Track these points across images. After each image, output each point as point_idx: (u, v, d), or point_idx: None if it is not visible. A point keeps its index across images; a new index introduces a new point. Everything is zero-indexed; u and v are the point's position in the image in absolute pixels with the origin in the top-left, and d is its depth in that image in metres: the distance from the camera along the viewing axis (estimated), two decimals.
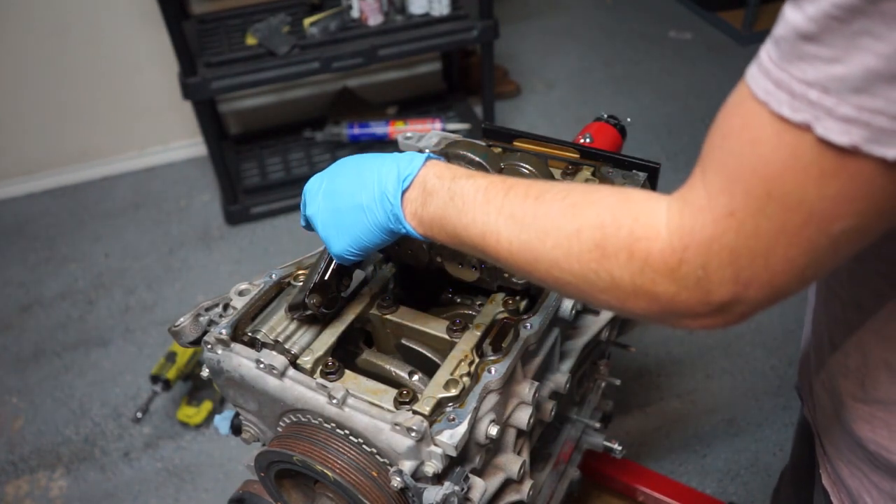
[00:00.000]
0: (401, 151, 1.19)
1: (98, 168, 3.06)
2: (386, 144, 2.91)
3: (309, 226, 0.86)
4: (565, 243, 0.58)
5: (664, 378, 2.10)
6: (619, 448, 1.29)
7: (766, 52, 0.50)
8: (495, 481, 0.89)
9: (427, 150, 0.79)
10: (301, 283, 0.93)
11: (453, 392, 0.80)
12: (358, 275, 0.99)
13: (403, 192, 0.73)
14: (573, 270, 0.58)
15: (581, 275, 0.58)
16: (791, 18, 0.45)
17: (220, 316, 0.94)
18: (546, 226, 0.60)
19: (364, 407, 0.79)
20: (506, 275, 0.90)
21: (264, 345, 0.88)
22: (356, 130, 2.90)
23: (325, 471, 0.78)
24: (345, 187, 0.79)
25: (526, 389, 0.86)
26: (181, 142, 3.11)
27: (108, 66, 2.85)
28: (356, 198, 0.77)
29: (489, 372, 0.81)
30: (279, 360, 0.84)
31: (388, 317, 0.94)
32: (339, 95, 3.11)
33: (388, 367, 0.91)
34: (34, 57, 2.75)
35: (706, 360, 2.15)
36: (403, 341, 0.93)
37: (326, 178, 0.82)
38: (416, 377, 0.90)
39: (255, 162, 2.94)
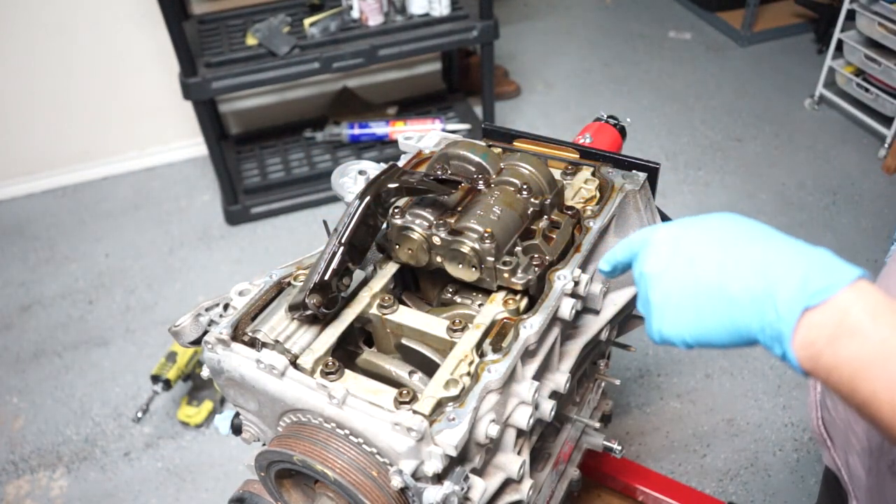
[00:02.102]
0: (403, 152, 1.20)
1: (98, 168, 3.06)
2: (386, 144, 2.91)
3: (615, 273, 0.70)
4: None
5: (664, 378, 2.10)
6: (619, 448, 1.30)
7: None
8: (495, 481, 0.89)
9: (860, 273, 0.54)
10: (301, 283, 0.93)
11: (453, 392, 0.80)
12: (358, 275, 0.99)
13: (806, 311, 0.53)
14: None
15: None
16: None
17: (221, 316, 0.94)
18: None
19: (364, 407, 0.79)
20: (506, 275, 0.91)
21: (264, 345, 0.88)
22: (356, 130, 2.90)
23: (326, 470, 0.78)
24: (709, 255, 0.60)
25: (526, 389, 0.86)
26: (181, 142, 3.11)
27: (108, 66, 2.85)
28: (723, 278, 0.58)
29: (489, 372, 0.81)
30: (279, 360, 0.84)
31: (388, 317, 0.94)
32: (339, 95, 3.11)
33: (388, 367, 0.91)
34: (34, 57, 2.75)
35: (706, 360, 2.15)
36: (403, 341, 0.93)
37: (688, 235, 0.63)
38: (416, 377, 0.90)
39: (255, 162, 2.94)
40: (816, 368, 0.54)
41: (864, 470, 0.83)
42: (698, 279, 0.59)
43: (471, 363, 0.84)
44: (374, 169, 1.14)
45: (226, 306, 0.95)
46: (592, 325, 1.05)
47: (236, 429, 1.00)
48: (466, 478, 0.79)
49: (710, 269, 0.59)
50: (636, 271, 0.67)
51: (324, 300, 0.88)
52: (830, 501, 1.08)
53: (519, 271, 0.91)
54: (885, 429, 0.52)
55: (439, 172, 0.97)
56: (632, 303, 1.10)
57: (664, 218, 1.11)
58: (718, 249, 0.60)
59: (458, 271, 0.93)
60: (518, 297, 0.93)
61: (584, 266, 0.95)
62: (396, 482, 0.76)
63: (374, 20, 2.58)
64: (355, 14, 2.60)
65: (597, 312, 1.05)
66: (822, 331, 0.53)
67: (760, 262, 0.57)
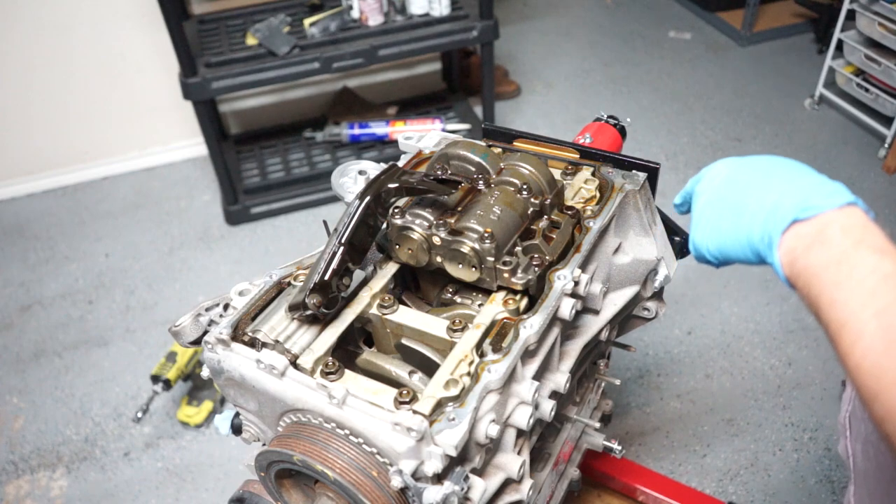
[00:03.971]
0: (403, 152, 1.20)
1: (98, 168, 3.06)
2: (386, 144, 2.91)
3: (684, 206, 0.81)
4: None
5: (664, 378, 2.10)
6: (619, 448, 1.30)
7: None
8: (495, 481, 0.89)
9: (851, 199, 0.62)
10: (301, 283, 0.93)
11: (453, 392, 0.80)
12: (358, 275, 0.99)
13: (795, 223, 0.62)
14: None
15: None
16: None
17: (221, 316, 0.94)
18: None
19: (364, 407, 0.79)
20: (506, 275, 0.90)
21: (264, 345, 0.88)
22: (356, 130, 2.90)
23: (326, 470, 0.78)
24: (746, 179, 0.70)
25: (526, 389, 0.86)
26: (181, 142, 3.11)
27: (108, 66, 2.85)
28: (747, 196, 0.67)
29: (489, 372, 0.81)
30: (279, 360, 0.84)
31: (388, 317, 0.94)
32: (339, 95, 3.11)
33: (388, 367, 0.91)
34: (35, 57, 2.75)
35: (706, 360, 2.15)
36: (403, 341, 0.93)
37: (737, 166, 0.73)
38: (416, 377, 0.90)
39: (255, 162, 2.94)
40: (792, 274, 0.61)
41: (862, 455, 0.85)
42: (728, 197, 0.70)
43: (471, 363, 0.84)
44: (374, 169, 1.14)
45: (226, 306, 0.95)
46: (592, 325, 1.05)
47: (236, 429, 1.00)
48: (466, 478, 0.79)
49: (741, 189, 0.69)
50: (694, 191, 0.78)
51: (324, 300, 0.87)
52: None
53: (519, 271, 0.91)
54: (831, 340, 0.57)
55: (439, 172, 0.97)
56: (632, 303, 1.10)
57: (664, 218, 1.11)
58: (754, 176, 0.69)
59: (458, 271, 0.93)
60: (518, 297, 0.93)
61: (584, 266, 0.95)
62: (396, 482, 0.76)
63: (374, 20, 2.58)
64: (355, 14, 2.60)
65: (597, 312, 1.05)
66: (803, 240, 0.60)
67: (781, 186, 0.65)
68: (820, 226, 0.60)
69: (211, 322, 0.94)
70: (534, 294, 0.93)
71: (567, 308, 0.90)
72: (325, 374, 0.85)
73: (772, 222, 0.63)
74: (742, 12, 3.59)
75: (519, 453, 0.93)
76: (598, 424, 1.30)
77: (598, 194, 1.06)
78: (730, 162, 0.75)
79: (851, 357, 0.54)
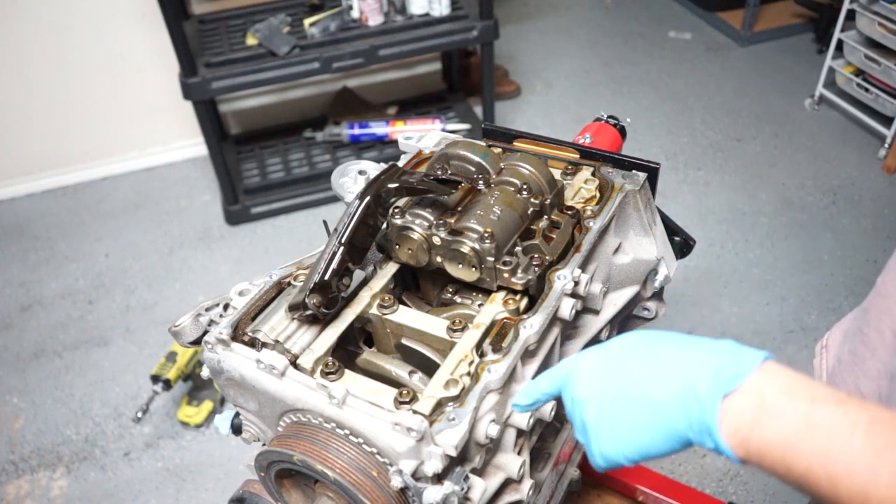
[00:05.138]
0: (403, 152, 1.20)
1: (99, 168, 3.06)
2: (386, 144, 2.91)
3: (534, 406, 0.72)
4: None
5: None
6: None
7: None
8: (495, 481, 0.89)
9: (764, 354, 0.57)
10: (301, 283, 0.93)
11: (453, 392, 0.80)
12: (358, 275, 0.99)
13: (725, 398, 0.55)
14: None
15: None
16: None
17: (221, 316, 0.94)
18: None
19: (364, 407, 0.79)
20: (506, 275, 0.90)
21: (264, 345, 0.88)
22: (356, 130, 2.90)
23: (326, 470, 0.78)
24: (633, 371, 0.62)
25: None
26: (181, 142, 3.11)
27: (108, 66, 2.85)
28: (647, 385, 0.60)
29: (489, 372, 0.81)
30: (279, 360, 0.84)
31: (388, 317, 0.94)
32: (339, 95, 3.11)
33: (388, 367, 0.91)
34: (35, 57, 2.75)
35: None
36: (403, 341, 0.93)
37: (610, 356, 0.66)
38: (416, 377, 0.90)
39: (255, 162, 2.94)
40: (749, 454, 0.55)
41: None
42: (627, 393, 0.61)
43: (471, 363, 0.84)
44: (374, 169, 1.14)
45: (226, 306, 0.95)
46: (592, 325, 1.05)
47: (236, 429, 1.00)
48: (466, 478, 0.79)
49: (636, 380, 0.61)
50: (567, 399, 0.68)
51: (324, 300, 0.87)
52: None
53: (519, 271, 0.91)
54: (825, 498, 0.52)
55: (439, 172, 0.97)
56: (632, 303, 1.10)
57: (664, 218, 1.11)
58: (640, 362, 0.62)
59: (458, 271, 0.93)
60: (518, 297, 0.93)
61: (583, 266, 0.95)
62: (396, 482, 0.76)
63: (374, 20, 2.58)
64: (355, 14, 2.60)
65: (597, 312, 1.05)
66: (744, 416, 0.54)
67: (678, 363, 0.59)
68: (755, 396, 0.54)
69: (211, 322, 0.94)
70: (534, 294, 0.93)
71: (567, 308, 0.90)
72: (325, 374, 0.85)
73: (697, 408, 0.56)
74: (742, 12, 3.59)
75: (519, 453, 0.92)
76: None
77: (598, 194, 1.06)
78: (597, 354, 0.67)
79: None
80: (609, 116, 1.28)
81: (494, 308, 0.92)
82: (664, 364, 0.60)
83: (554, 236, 0.96)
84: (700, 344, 0.60)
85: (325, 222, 1.01)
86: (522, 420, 0.86)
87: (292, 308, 0.89)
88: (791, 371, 0.56)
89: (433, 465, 0.76)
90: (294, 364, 0.86)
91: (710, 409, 0.55)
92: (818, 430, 0.51)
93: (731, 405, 0.55)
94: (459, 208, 0.97)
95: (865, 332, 1.02)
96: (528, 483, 0.94)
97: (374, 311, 0.95)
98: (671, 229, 1.12)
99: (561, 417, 1.23)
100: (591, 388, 0.65)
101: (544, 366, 0.94)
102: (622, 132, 1.28)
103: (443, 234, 0.92)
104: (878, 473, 0.48)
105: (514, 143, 1.16)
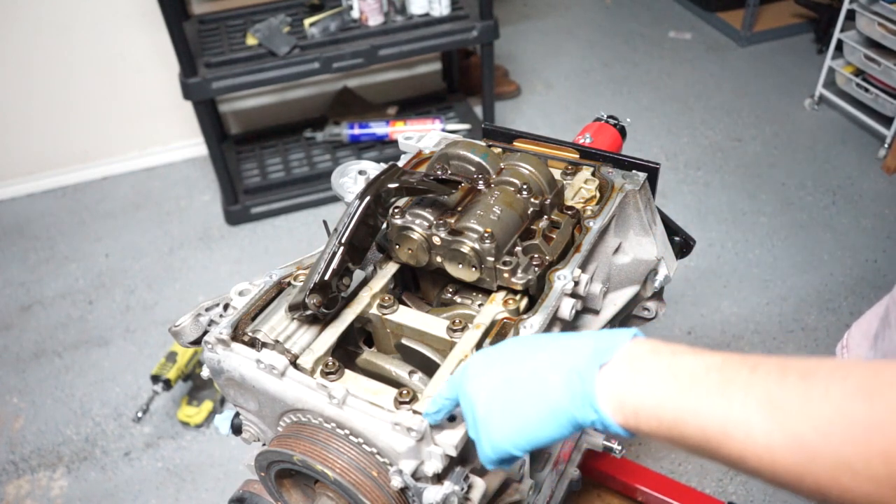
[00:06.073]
0: (403, 152, 1.20)
1: (98, 168, 3.06)
2: (386, 144, 2.91)
3: (440, 415, 0.73)
4: (862, 437, 0.44)
5: None
6: (619, 448, 1.30)
7: None
8: (495, 481, 0.89)
9: (635, 331, 0.62)
10: (301, 283, 0.93)
11: None
12: (358, 275, 0.99)
13: (602, 368, 0.59)
14: (875, 475, 0.43)
15: (891, 482, 0.43)
16: None
17: (221, 316, 0.94)
18: (827, 413, 0.46)
19: (364, 407, 0.79)
20: (506, 275, 0.90)
21: (264, 345, 0.88)
22: (356, 130, 2.90)
23: (326, 470, 0.78)
24: (519, 362, 0.65)
25: None
26: (181, 142, 3.11)
27: (108, 66, 2.85)
28: (533, 373, 0.63)
29: None
30: (279, 360, 0.84)
31: (388, 317, 0.94)
32: (339, 95, 3.11)
33: (388, 367, 0.91)
34: (35, 57, 2.75)
35: None
36: (403, 341, 0.93)
37: (498, 352, 0.69)
38: (416, 377, 0.90)
39: (255, 162, 2.94)
40: (627, 418, 0.57)
41: None
42: (514, 381, 0.64)
43: None
44: (374, 169, 1.14)
45: (226, 306, 0.95)
46: (592, 325, 1.05)
47: (236, 429, 1.00)
48: (466, 478, 0.79)
49: (522, 370, 0.64)
50: (461, 398, 0.70)
51: (324, 300, 0.88)
52: None
53: (519, 271, 0.91)
54: (694, 448, 0.54)
55: (439, 172, 0.97)
56: (632, 303, 1.10)
57: (664, 218, 1.11)
58: (526, 354, 0.65)
59: (458, 271, 0.93)
60: (518, 297, 0.93)
61: (584, 266, 0.95)
62: (396, 482, 0.76)
63: (374, 20, 2.58)
64: (355, 14, 2.60)
65: (596, 312, 1.05)
66: (618, 380, 0.58)
67: (561, 350, 0.63)
68: (626, 360, 0.58)
69: (211, 322, 0.94)
70: (534, 294, 0.93)
71: (567, 308, 0.90)
72: (325, 374, 0.85)
73: (578, 382, 0.59)
74: (742, 12, 3.59)
75: None
76: None
77: (598, 194, 1.06)
78: (487, 351, 0.70)
79: (753, 447, 0.49)
80: (609, 116, 1.28)
81: (494, 308, 0.92)
82: (548, 352, 0.63)
83: (554, 236, 0.96)
84: (581, 334, 0.64)
85: (325, 222, 1.01)
86: None
87: (292, 308, 0.89)
88: (657, 341, 0.60)
89: (433, 465, 0.76)
90: (294, 364, 0.86)
91: (588, 380, 0.58)
92: (679, 377, 0.54)
93: (607, 373, 0.58)
94: (459, 208, 0.97)
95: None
96: (528, 483, 0.94)
97: (374, 311, 0.95)
98: (671, 229, 1.12)
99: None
100: (480, 382, 0.67)
101: None
102: (622, 132, 1.28)
103: (443, 234, 0.92)
104: (731, 400, 0.50)
105: (514, 143, 1.16)
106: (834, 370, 0.48)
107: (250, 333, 0.90)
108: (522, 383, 0.63)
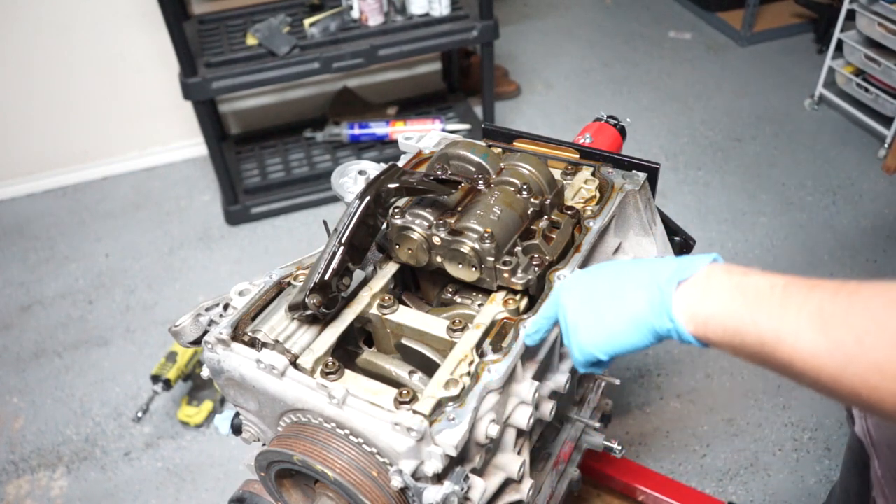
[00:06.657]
0: (403, 152, 1.20)
1: (98, 168, 3.06)
2: (386, 144, 2.91)
3: (539, 335, 0.82)
4: (892, 343, 0.49)
5: (664, 378, 2.10)
6: (619, 448, 1.30)
7: None
8: (495, 481, 0.89)
9: (715, 255, 0.69)
10: (301, 283, 0.93)
11: (453, 392, 0.80)
12: (358, 275, 0.99)
13: (680, 284, 0.66)
14: None
15: None
16: None
17: (221, 316, 0.94)
18: (865, 323, 0.51)
19: (364, 407, 0.79)
20: (506, 275, 0.90)
21: (264, 345, 0.88)
22: (356, 130, 2.90)
23: (326, 470, 0.78)
24: (607, 278, 0.73)
25: (526, 389, 0.86)
26: (181, 142, 3.11)
27: (108, 66, 2.85)
28: (619, 287, 0.70)
29: (489, 372, 0.81)
30: (279, 360, 0.84)
31: (388, 317, 0.94)
32: (339, 95, 3.11)
33: (388, 367, 0.91)
34: (35, 57, 2.75)
35: (706, 360, 2.15)
36: (403, 341, 0.93)
37: (590, 271, 0.77)
38: (416, 377, 0.90)
39: (255, 162, 2.94)
40: (697, 327, 0.64)
41: (876, 428, 0.87)
42: (602, 293, 0.72)
43: (471, 363, 0.84)
44: (374, 169, 1.14)
45: (226, 306, 0.95)
46: None
47: (236, 429, 1.00)
48: (466, 478, 0.79)
49: (609, 284, 0.72)
50: (558, 310, 0.78)
51: (324, 300, 0.88)
52: (857, 472, 1.14)
53: (519, 271, 0.91)
54: (751, 354, 0.61)
55: (439, 172, 0.97)
56: None
57: (664, 218, 1.11)
58: (614, 272, 0.73)
59: (458, 271, 0.93)
60: (518, 297, 0.93)
61: (583, 266, 0.95)
62: (396, 482, 0.76)
63: (374, 20, 2.58)
64: (355, 14, 2.60)
65: None
66: (694, 294, 0.64)
67: (646, 269, 0.69)
68: (703, 278, 0.64)
69: (211, 322, 0.94)
70: (534, 294, 0.93)
71: None
72: (325, 374, 0.85)
73: (657, 294, 0.66)
74: (742, 12, 3.59)
75: (519, 453, 0.93)
76: (598, 424, 1.30)
77: (598, 194, 1.06)
78: (579, 272, 0.79)
79: (801, 353, 0.56)
80: (609, 116, 1.28)
81: (494, 308, 0.92)
82: (634, 271, 0.71)
83: (554, 236, 0.96)
84: (665, 259, 0.71)
85: (325, 222, 1.01)
86: (522, 420, 0.86)
87: (292, 308, 0.89)
88: (735, 265, 0.66)
89: (433, 465, 0.76)
90: (294, 364, 0.86)
91: (667, 293, 0.65)
92: (746, 292, 0.61)
93: (684, 288, 0.65)
94: (459, 208, 0.97)
95: None
96: (528, 483, 0.94)
97: (374, 311, 0.95)
98: (671, 229, 1.12)
99: (561, 417, 1.23)
100: (572, 294, 0.75)
101: (544, 366, 0.94)
102: (622, 132, 1.28)
103: (443, 234, 0.92)
104: (786, 312, 0.57)
105: (514, 143, 1.16)
106: (881, 289, 0.53)
107: (250, 333, 0.90)
108: (609, 295, 0.70)
